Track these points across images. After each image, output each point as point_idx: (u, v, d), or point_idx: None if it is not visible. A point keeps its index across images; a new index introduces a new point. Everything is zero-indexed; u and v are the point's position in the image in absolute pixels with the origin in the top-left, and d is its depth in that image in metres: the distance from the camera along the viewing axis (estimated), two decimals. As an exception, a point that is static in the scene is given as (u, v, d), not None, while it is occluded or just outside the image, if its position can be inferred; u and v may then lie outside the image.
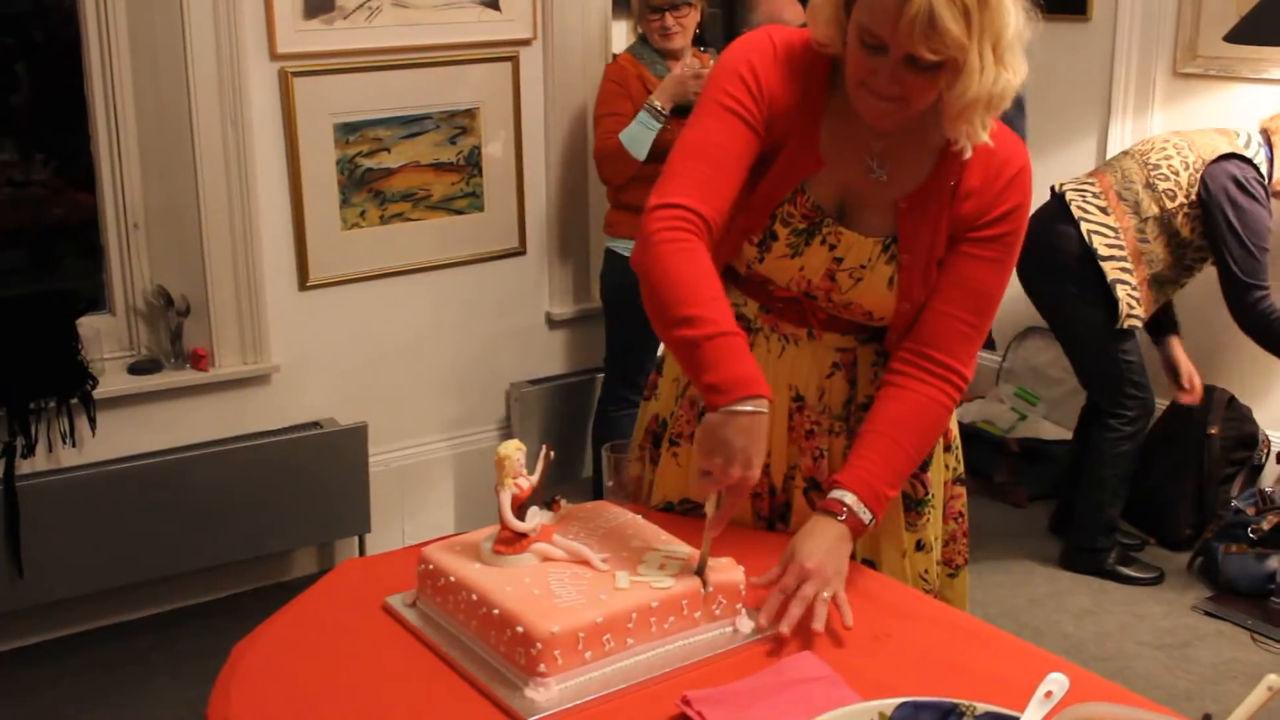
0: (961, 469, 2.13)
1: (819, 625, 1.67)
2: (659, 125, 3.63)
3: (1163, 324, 3.98)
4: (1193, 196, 3.62)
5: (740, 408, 1.69)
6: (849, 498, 1.79)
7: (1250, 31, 3.43)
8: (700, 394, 1.80)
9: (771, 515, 2.05)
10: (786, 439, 2.00)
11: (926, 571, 2.04)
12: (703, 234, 1.78)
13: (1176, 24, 4.18)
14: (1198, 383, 3.95)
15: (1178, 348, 3.97)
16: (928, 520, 2.02)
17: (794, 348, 1.96)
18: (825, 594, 1.69)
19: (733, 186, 1.82)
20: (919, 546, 2.03)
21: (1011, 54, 1.66)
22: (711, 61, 3.78)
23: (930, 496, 2.02)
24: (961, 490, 2.13)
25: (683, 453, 2.06)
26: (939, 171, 1.83)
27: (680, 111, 3.59)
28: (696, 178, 1.79)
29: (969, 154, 1.77)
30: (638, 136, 3.65)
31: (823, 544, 1.74)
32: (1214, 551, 3.78)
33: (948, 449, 2.07)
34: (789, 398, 1.97)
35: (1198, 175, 3.62)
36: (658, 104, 3.64)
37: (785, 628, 1.66)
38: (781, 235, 1.88)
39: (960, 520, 2.13)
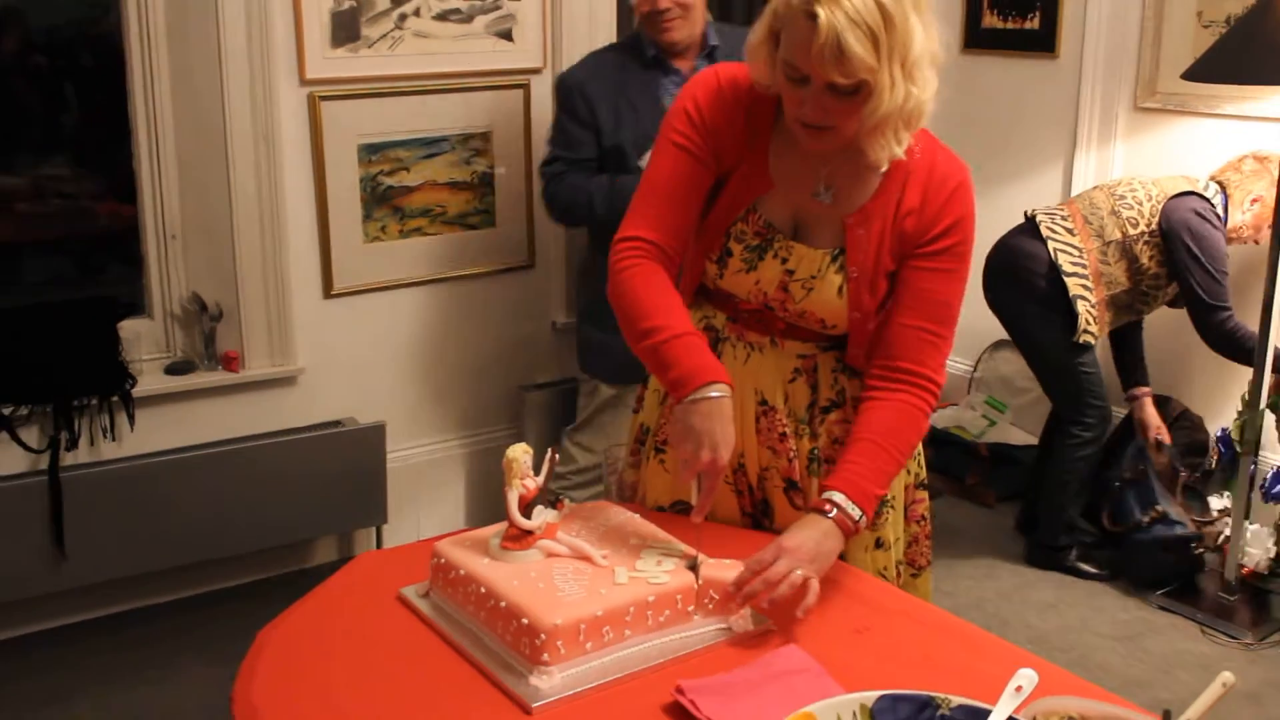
0: (924, 474, 2.11)
1: (767, 602, 1.65)
2: None
3: (1135, 378, 3.99)
4: (1153, 226, 3.62)
5: (699, 395, 1.75)
6: (837, 496, 1.76)
7: (1205, 70, 3.43)
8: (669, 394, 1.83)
9: (755, 511, 2.04)
10: (756, 440, 1.98)
11: (885, 569, 2.02)
12: (657, 258, 1.85)
13: (1138, 62, 4.18)
14: (1165, 438, 3.95)
15: (1148, 406, 3.97)
16: (886, 520, 2.00)
17: (758, 354, 1.95)
18: (797, 572, 1.65)
19: (684, 213, 1.88)
20: (878, 544, 2.01)
21: (919, 70, 1.66)
22: None
23: (890, 497, 2.00)
24: (924, 495, 2.10)
25: (668, 458, 2.05)
26: (882, 190, 1.82)
27: None
28: (650, 211, 1.87)
29: (884, 167, 1.78)
30: None
31: (809, 534, 1.73)
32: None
33: None
34: (755, 401, 1.96)
35: (1159, 207, 3.63)
36: None
37: (740, 601, 1.66)
38: (736, 251, 1.89)
39: (923, 523, 2.10)
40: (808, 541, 1.71)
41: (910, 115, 1.69)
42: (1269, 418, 3.65)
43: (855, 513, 1.76)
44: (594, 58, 3.16)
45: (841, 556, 1.93)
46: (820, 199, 1.85)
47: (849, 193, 1.84)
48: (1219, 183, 3.70)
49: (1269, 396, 3.59)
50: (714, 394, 1.75)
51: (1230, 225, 3.66)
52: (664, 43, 3.00)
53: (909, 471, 2.06)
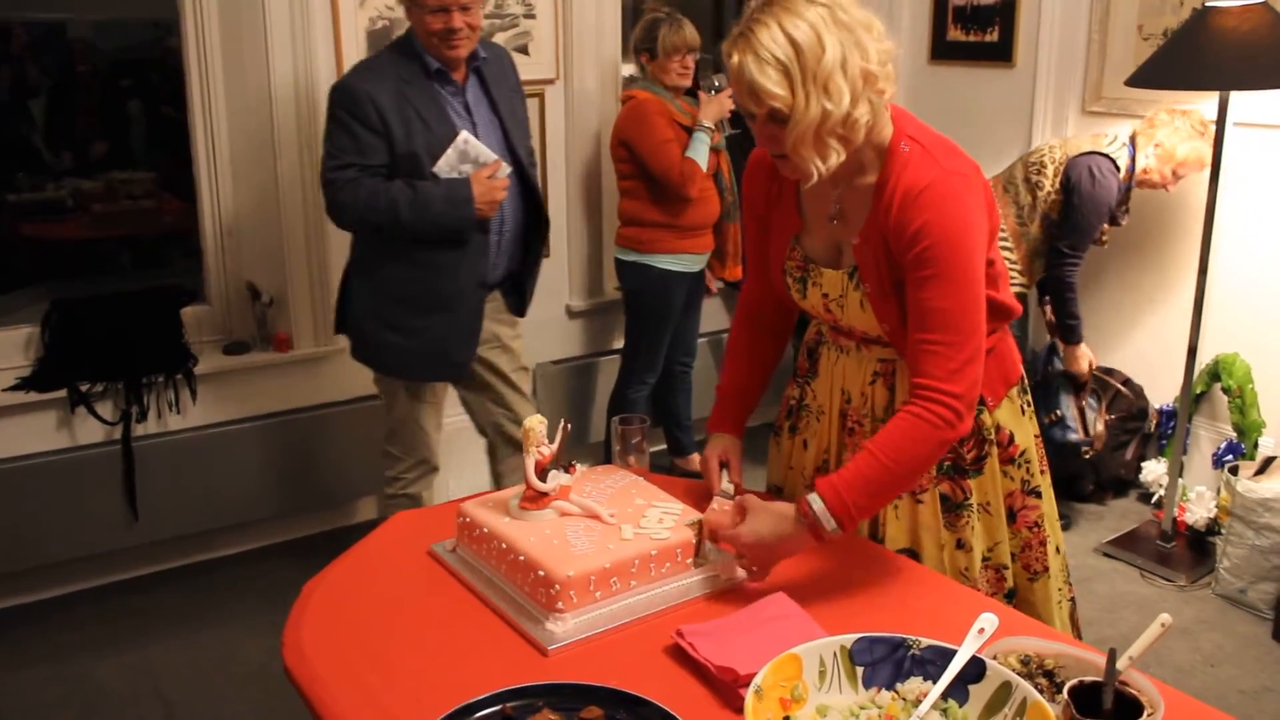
0: (1035, 481, 1.90)
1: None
2: (709, 139, 3.70)
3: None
4: (1057, 185, 3.60)
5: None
6: (818, 504, 1.59)
7: (1145, 77, 3.39)
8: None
9: None
10: (839, 440, 1.90)
11: (967, 569, 1.85)
12: (756, 314, 2.00)
13: (1085, 70, 4.13)
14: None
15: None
16: (967, 523, 1.84)
17: (845, 357, 1.87)
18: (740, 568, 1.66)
19: (762, 266, 1.95)
20: (959, 545, 1.84)
21: (833, 83, 1.56)
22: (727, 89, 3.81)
23: (971, 502, 1.84)
24: (1038, 502, 1.90)
25: (781, 440, 2.03)
26: (873, 209, 1.70)
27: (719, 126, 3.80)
28: (752, 275, 2.00)
29: (815, 180, 1.64)
30: (701, 152, 3.68)
31: (772, 527, 1.62)
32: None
33: (1010, 461, 1.87)
34: (841, 400, 1.88)
35: (1062, 168, 3.60)
36: (707, 123, 3.70)
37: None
38: (791, 285, 1.85)
39: (1036, 530, 1.91)
40: (763, 533, 1.63)
41: (826, 127, 1.58)
42: (1220, 397, 3.63)
43: (830, 524, 1.59)
44: (373, 67, 2.85)
45: (916, 555, 1.84)
46: (833, 224, 1.77)
47: (853, 214, 1.74)
48: (1133, 134, 3.66)
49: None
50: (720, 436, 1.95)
51: (1138, 169, 3.62)
52: (449, 59, 2.83)
53: (1010, 477, 1.88)
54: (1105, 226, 3.70)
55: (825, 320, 1.87)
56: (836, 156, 1.62)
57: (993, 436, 1.85)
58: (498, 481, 3.37)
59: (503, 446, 3.31)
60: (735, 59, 1.58)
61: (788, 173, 1.70)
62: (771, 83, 1.55)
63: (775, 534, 1.62)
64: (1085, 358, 3.81)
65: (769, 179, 1.85)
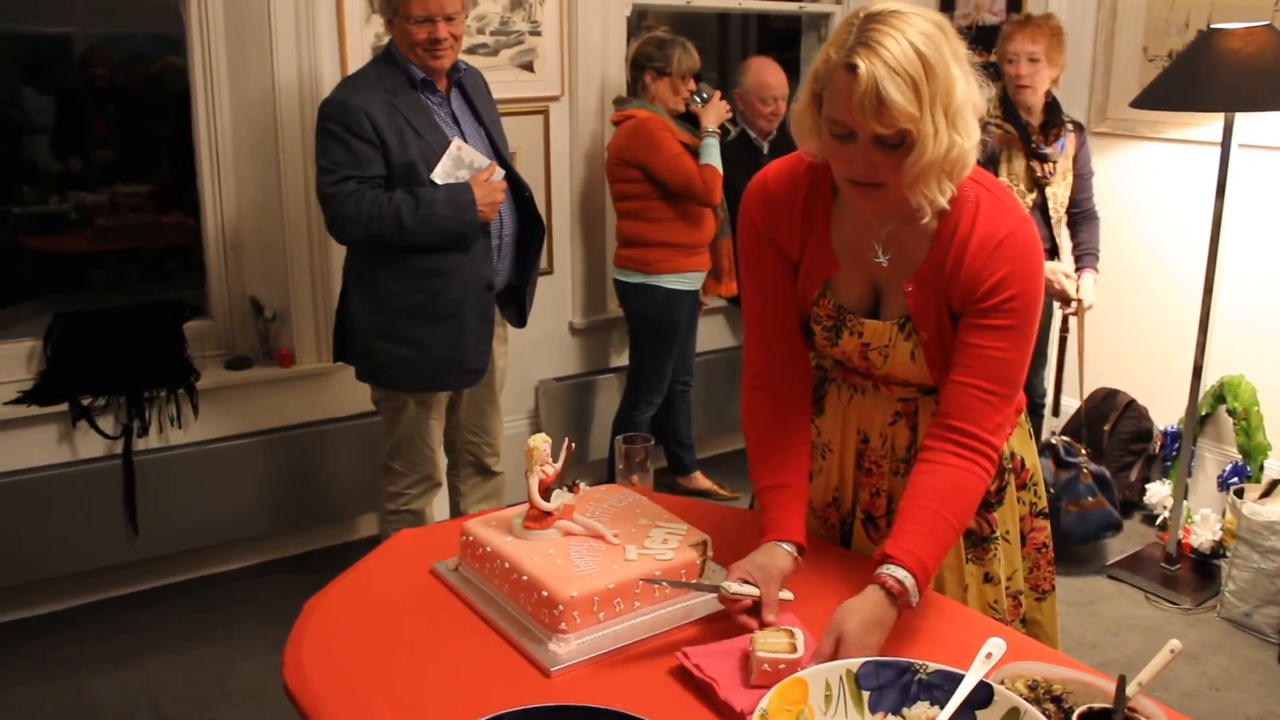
0: (1042, 503, 1.91)
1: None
2: (718, 144, 3.73)
3: (1080, 263, 3.76)
4: None
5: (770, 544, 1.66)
6: (909, 581, 1.50)
7: (1150, 99, 3.40)
8: None
9: (842, 538, 1.89)
10: (853, 477, 1.84)
11: (996, 602, 1.81)
12: (770, 383, 1.76)
13: (1090, 92, 4.15)
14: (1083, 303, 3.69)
15: (1082, 277, 3.71)
16: (994, 555, 1.81)
17: (860, 396, 1.79)
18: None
19: (781, 319, 1.75)
20: (987, 579, 1.81)
21: (962, 119, 1.47)
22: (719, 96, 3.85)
23: (996, 534, 1.81)
24: (1044, 523, 1.91)
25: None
26: (933, 251, 1.61)
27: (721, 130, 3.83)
28: (754, 337, 1.78)
29: (927, 218, 1.56)
30: (716, 157, 3.71)
31: (867, 617, 1.47)
32: (1058, 510, 3.67)
33: (1023, 486, 1.87)
34: (857, 440, 1.82)
35: None
36: (712, 128, 3.74)
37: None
38: (816, 332, 1.74)
39: (1044, 550, 1.91)
40: (868, 634, 1.46)
41: (954, 164, 1.49)
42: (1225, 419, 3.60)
43: (916, 599, 1.52)
44: (362, 82, 2.87)
45: (941, 589, 1.79)
46: (878, 260, 1.65)
47: (906, 254, 1.64)
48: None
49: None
50: (780, 546, 1.65)
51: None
52: (433, 68, 2.87)
53: (1023, 502, 1.87)
54: (1039, 165, 3.57)
55: (857, 367, 1.76)
56: (944, 197, 1.53)
57: (1009, 465, 1.83)
58: (454, 497, 3.38)
59: (465, 466, 3.34)
60: (863, 67, 1.42)
61: (872, 203, 1.57)
62: (904, 98, 1.42)
63: (871, 621, 1.47)
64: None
65: (803, 205, 1.69)
